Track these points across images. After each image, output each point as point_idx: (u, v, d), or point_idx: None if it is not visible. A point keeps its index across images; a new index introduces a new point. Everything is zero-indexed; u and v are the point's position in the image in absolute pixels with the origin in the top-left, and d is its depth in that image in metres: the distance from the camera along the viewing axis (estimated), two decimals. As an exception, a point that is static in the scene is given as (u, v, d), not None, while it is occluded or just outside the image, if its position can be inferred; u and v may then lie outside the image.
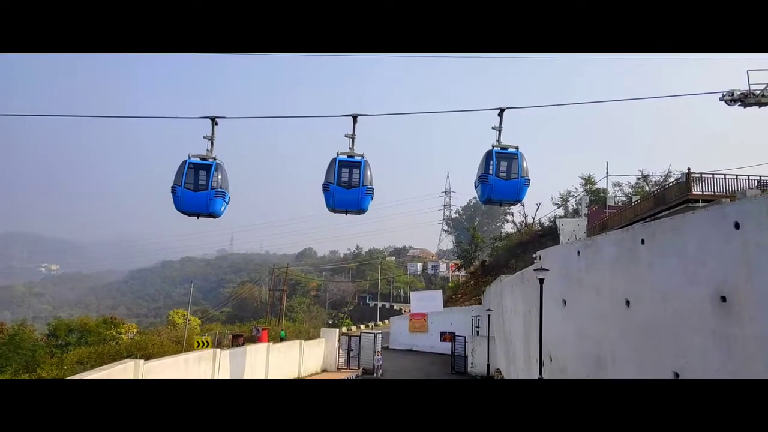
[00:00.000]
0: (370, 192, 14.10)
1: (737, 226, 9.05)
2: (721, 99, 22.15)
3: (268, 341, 35.74)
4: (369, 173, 14.08)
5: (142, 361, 19.49)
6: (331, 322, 75.05)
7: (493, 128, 13.78)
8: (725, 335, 9.27)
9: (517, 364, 26.81)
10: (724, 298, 9.29)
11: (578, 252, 16.34)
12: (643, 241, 12.24)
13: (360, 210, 14.35)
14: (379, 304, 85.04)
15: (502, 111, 13.64)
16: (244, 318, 75.06)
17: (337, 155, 14.08)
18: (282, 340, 40.42)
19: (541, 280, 17.77)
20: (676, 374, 10.54)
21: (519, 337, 25.75)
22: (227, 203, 14.52)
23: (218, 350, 25.92)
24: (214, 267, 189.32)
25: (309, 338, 40.62)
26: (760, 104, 21.89)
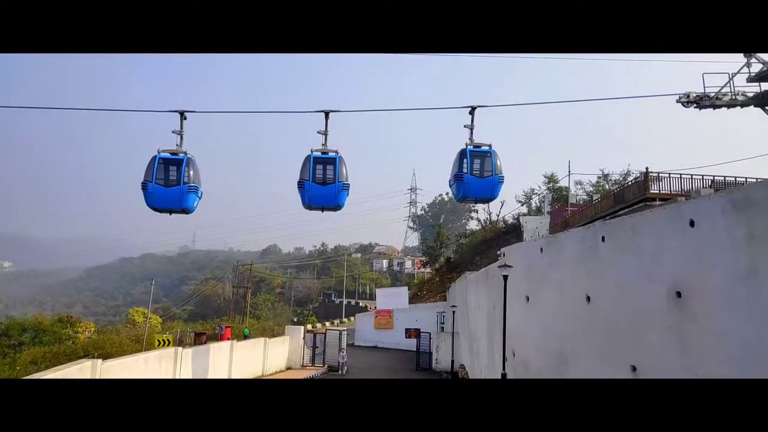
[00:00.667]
0: (346, 188, 14.02)
1: (692, 224, 9.35)
2: (677, 101, 22.89)
3: (232, 339, 35.26)
4: (344, 169, 13.99)
5: (99, 360, 18.91)
6: (296, 320, 74.51)
7: (465, 126, 13.84)
8: (681, 330, 9.58)
9: (480, 360, 27.16)
10: (679, 294, 9.59)
11: (541, 249, 16.63)
12: (603, 239, 12.53)
13: (336, 206, 14.25)
14: (345, 301, 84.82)
15: (473, 109, 13.70)
16: (207, 316, 73.79)
17: (312, 152, 13.93)
18: (246, 337, 39.94)
19: (505, 277, 18.02)
20: (634, 368, 10.85)
21: (483, 333, 26.09)
22: (200, 198, 14.27)
23: (180, 349, 25.40)
24: (175, 264, 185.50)
25: (273, 336, 40.24)
26: (714, 107, 22.70)
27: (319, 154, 13.97)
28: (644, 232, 11.05)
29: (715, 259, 8.87)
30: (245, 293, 61.44)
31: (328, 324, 68.92)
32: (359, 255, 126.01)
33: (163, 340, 32.81)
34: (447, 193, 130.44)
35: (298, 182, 13.93)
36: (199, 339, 36.72)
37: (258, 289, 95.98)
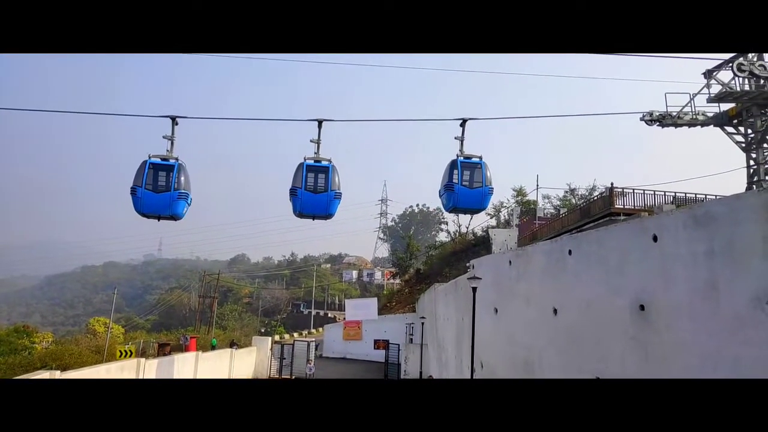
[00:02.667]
0: (338, 197, 14.09)
1: (655, 239, 9.63)
2: (641, 119, 23.66)
3: (197, 350, 34.53)
4: (337, 178, 14.06)
5: (58, 372, 18.27)
6: (263, 330, 73.47)
7: (456, 138, 14.08)
8: (643, 341, 9.82)
9: (449, 371, 27.24)
10: (642, 307, 9.84)
11: (510, 261, 16.85)
12: (570, 252, 12.78)
13: (328, 215, 14.29)
14: (314, 312, 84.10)
15: (464, 121, 13.93)
16: (171, 326, 72.17)
17: (305, 160, 13.98)
18: (213, 348, 39.18)
19: (474, 289, 18.18)
20: (597, 378, 11.05)
21: (451, 344, 26.20)
22: (189, 205, 14.20)
23: (142, 360, 24.75)
24: (140, 273, 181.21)
25: (240, 347, 39.58)
26: (676, 125, 23.54)
27: (312, 162, 14.02)
28: (609, 246, 11.32)
29: (676, 273, 9.14)
30: (212, 303, 60.33)
31: (296, 335, 68.16)
32: (329, 265, 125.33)
33: (125, 350, 31.89)
34: (418, 205, 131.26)
35: (291, 189, 13.96)
36: (163, 350, 35.80)
37: (225, 299, 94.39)
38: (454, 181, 13.87)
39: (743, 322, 7.71)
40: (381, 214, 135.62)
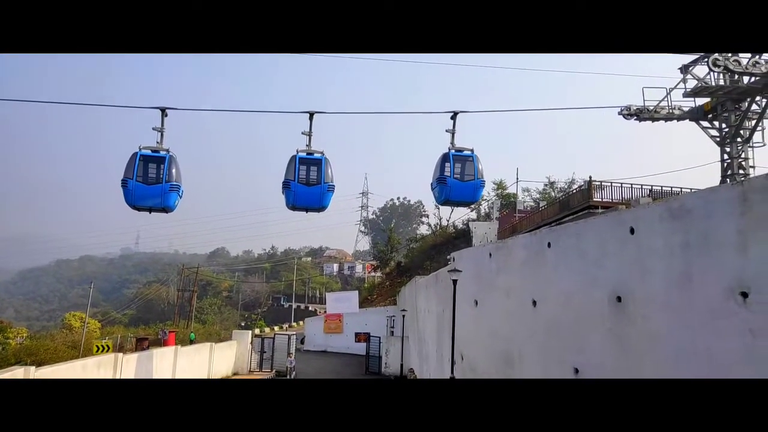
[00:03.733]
0: (331, 189, 14.15)
1: (632, 231, 9.77)
2: (619, 113, 23.97)
3: (176, 344, 34.22)
4: (330, 170, 14.12)
5: (33, 368, 17.94)
6: (243, 324, 73.12)
7: (447, 131, 14.10)
8: (620, 333, 9.97)
9: (429, 364, 27.41)
10: (619, 299, 9.99)
11: (490, 254, 16.97)
12: (549, 245, 12.91)
13: (321, 207, 14.38)
14: (294, 306, 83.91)
15: (455, 114, 14.00)
16: (149, 320, 71.39)
17: (297, 152, 13.95)
18: (192, 342, 38.86)
19: (455, 281, 18.28)
20: (576, 370, 11.21)
21: (432, 337, 26.35)
22: (180, 197, 14.12)
23: (120, 355, 24.43)
24: (117, 266, 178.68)
25: (220, 340, 39.31)
26: (653, 119, 23.89)
27: (304, 154, 14.01)
28: (588, 239, 11.46)
29: (653, 265, 9.29)
30: (191, 297, 59.79)
31: (277, 328, 67.94)
32: (310, 259, 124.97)
33: (102, 345, 31.49)
34: (399, 198, 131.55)
35: (284, 182, 13.96)
36: (141, 344, 35.50)
37: (204, 292, 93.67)
38: (446, 173, 13.97)
39: (716, 313, 7.87)
40: (362, 207, 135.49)
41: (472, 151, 14.21)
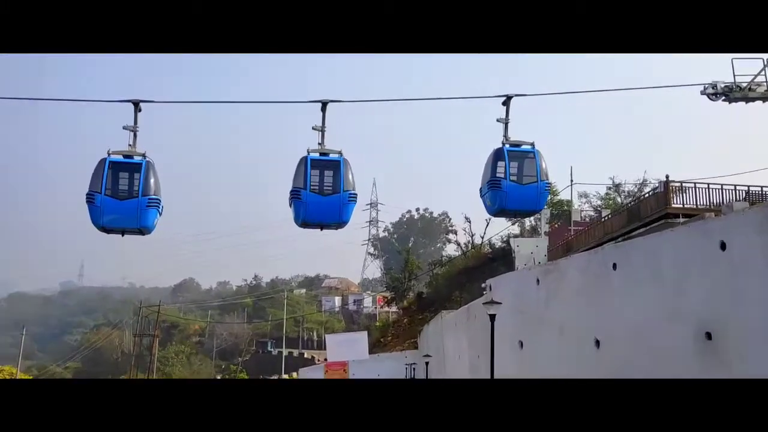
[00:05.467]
0: (353, 199, 13.98)
1: (723, 246, 9.72)
2: (702, 93, 23.79)
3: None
4: (350, 175, 13.94)
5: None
6: (219, 377, 73.19)
7: (498, 120, 14.01)
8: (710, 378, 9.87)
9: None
10: (709, 335, 9.91)
11: (537, 280, 16.94)
12: (614, 266, 12.87)
13: (341, 222, 14.25)
14: (285, 352, 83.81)
15: (508, 99, 13.80)
16: (98, 374, 71.68)
17: (308, 153, 13.88)
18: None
19: (492, 317, 18.22)
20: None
21: (465, 390, 26.22)
22: (161, 214, 14.04)
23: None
24: (56, 306, 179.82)
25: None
26: (747, 99, 23.67)
27: (317, 155, 13.90)
28: (665, 257, 11.41)
29: (751, 290, 9.22)
30: (151, 343, 60.05)
31: (262, 382, 67.79)
32: (304, 291, 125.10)
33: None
34: (418, 209, 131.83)
35: (292, 192, 13.85)
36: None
37: (169, 337, 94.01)
38: (500, 175, 13.86)
39: (838, 351, 7.79)
40: (370, 222, 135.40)
41: (532, 145, 14.08)
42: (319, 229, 14.76)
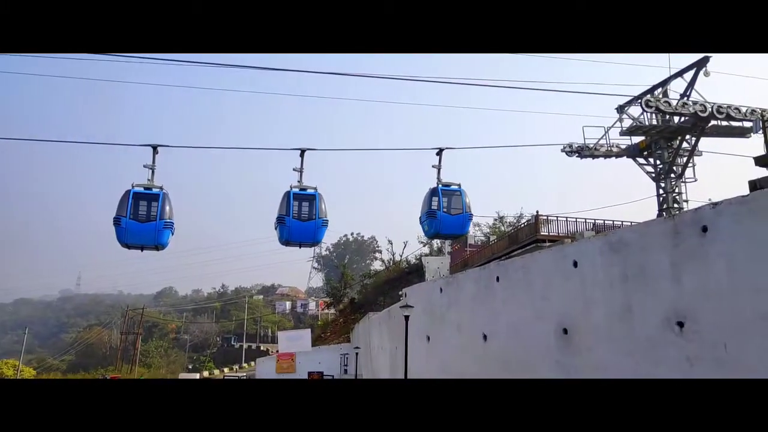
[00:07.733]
0: (325, 224, 14.58)
1: (575, 264, 10.10)
2: (562, 150, 24.95)
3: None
4: (323, 205, 14.58)
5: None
6: (191, 366, 70.40)
7: (433, 167, 14.82)
8: (567, 365, 10.18)
9: (384, 402, 27.01)
10: (566, 331, 10.23)
11: (441, 289, 17.11)
12: (498, 279, 13.16)
13: (315, 242, 15.05)
14: (245, 345, 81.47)
15: (440, 150, 14.73)
16: (89, 366, 67.80)
17: (291, 188, 14.48)
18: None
19: (407, 317, 18.27)
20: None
21: (386, 374, 26.06)
22: (173, 234, 14.39)
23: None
24: (55, 310, 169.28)
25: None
26: (593, 156, 24.99)
27: (297, 190, 14.49)
28: (534, 272, 11.76)
29: (595, 297, 9.60)
30: (135, 339, 57.22)
31: (226, 370, 65.68)
32: (262, 297, 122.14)
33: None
34: (352, 234, 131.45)
35: (278, 218, 14.39)
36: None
37: (150, 335, 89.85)
38: (434, 207, 14.52)
39: (655, 342, 8.17)
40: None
41: (459, 185, 14.93)
42: (298, 247, 15.22)
